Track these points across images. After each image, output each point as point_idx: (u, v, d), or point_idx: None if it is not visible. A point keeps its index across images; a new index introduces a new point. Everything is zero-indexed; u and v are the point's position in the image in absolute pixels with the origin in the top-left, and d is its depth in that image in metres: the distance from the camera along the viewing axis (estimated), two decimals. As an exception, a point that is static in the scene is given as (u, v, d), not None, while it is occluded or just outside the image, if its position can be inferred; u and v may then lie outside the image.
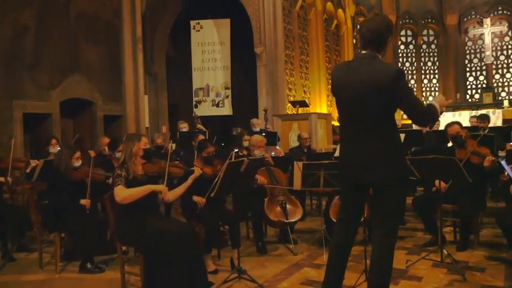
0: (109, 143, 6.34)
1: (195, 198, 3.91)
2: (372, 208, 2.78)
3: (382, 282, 2.62)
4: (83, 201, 4.09)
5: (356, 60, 2.77)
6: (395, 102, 2.58)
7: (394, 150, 2.62)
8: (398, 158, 2.66)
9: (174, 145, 8.37)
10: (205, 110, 12.02)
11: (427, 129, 6.98)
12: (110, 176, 4.43)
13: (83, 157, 4.42)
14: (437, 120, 2.68)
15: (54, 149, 5.87)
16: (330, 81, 2.92)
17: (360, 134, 2.63)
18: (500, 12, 15.23)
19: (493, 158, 4.22)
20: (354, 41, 14.50)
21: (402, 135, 3.74)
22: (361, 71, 2.58)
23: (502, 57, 15.55)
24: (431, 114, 2.64)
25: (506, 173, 3.79)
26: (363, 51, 2.67)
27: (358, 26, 2.77)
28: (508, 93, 15.39)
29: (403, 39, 16.54)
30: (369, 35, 2.62)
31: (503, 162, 3.67)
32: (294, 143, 8.31)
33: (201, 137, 5.93)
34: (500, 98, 15.25)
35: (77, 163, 4.22)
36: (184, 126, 8.13)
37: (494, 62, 15.54)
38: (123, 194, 3.21)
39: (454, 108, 14.49)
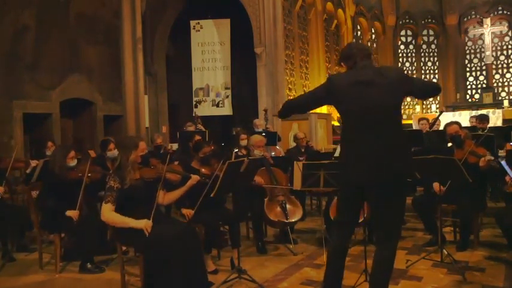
0: (100, 143, 6.22)
1: (184, 211, 3.88)
2: (372, 209, 2.78)
3: (382, 282, 2.63)
4: (69, 213, 3.91)
5: (364, 69, 2.73)
6: (410, 90, 2.87)
7: (406, 148, 2.84)
8: (409, 155, 2.88)
9: (173, 145, 8.37)
10: (205, 110, 12.01)
11: (427, 129, 6.98)
12: (108, 174, 4.40)
13: (82, 157, 4.38)
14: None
15: (51, 151, 5.87)
16: (330, 91, 2.87)
17: (379, 136, 2.62)
18: (500, 12, 15.23)
19: (489, 158, 4.22)
20: (354, 41, 14.49)
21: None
22: (382, 74, 2.72)
23: (502, 57, 15.56)
24: (436, 84, 3.13)
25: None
26: (364, 62, 2.76)
27: (347, 49, 2.94)
28: (508, 93, 15.39)
29: (403, 39, 16.54)
30: (366, 48, 2.92)
31: (503, 162, 3.67)
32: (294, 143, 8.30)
33: (198, 137, 5.91)
34: (500, 98, 15.25)
35: (72, 163, 4.13)
36: (192, 128, 8.10)
37: (494, 62, 15.54)
38: (107, 216, 3.16)
39: (454, 108, 14.49)
